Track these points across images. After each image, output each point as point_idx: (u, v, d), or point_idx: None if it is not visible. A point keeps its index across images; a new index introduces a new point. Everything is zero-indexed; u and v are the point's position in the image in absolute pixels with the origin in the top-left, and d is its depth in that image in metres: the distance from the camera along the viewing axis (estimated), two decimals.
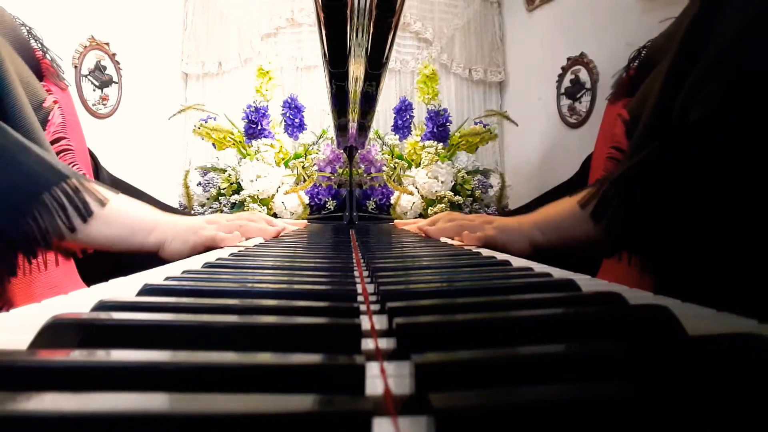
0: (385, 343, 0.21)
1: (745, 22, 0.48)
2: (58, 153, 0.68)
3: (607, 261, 0.65)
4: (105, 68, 1.53)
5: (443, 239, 0.77)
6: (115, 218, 0.55)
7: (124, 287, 0.33)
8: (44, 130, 0.66)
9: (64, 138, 0.69)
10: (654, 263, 0.52)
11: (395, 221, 1.18)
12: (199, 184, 1.52)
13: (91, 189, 0.54)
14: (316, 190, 1.51)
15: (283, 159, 1.57)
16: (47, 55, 0.71)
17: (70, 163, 0.69)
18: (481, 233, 0.64)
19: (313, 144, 1.62)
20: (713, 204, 0.45)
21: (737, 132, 0.45)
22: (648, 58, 0.74)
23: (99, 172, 0.84)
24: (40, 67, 0.70)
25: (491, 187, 1.66)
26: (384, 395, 0.16)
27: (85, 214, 0.52)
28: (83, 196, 0.53)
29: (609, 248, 0.57)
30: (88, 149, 0.79)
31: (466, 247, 0.62)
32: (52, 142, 0.67)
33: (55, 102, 0.68)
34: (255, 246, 0.63)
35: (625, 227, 0.51)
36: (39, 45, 0.71)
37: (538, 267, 0.41)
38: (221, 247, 0.61)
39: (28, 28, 0.70)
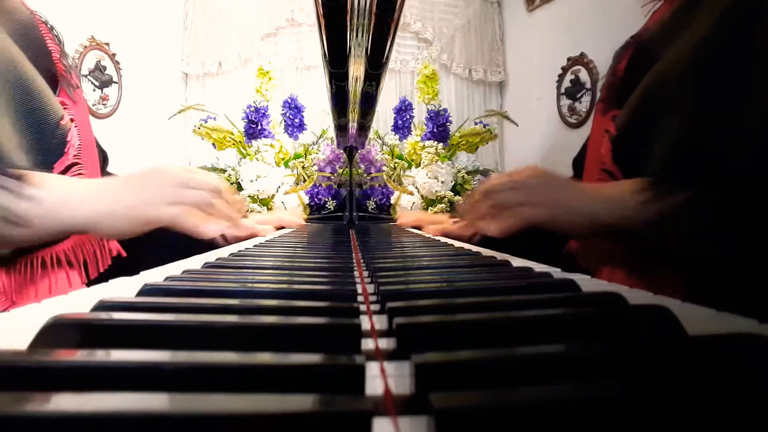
0: (385, 343, 0.21)
1: None
2: None
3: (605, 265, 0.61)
4: (105, 68, 1.53)
5: (442, 239, 0.76)
6: (46, 204, 0.46)
7: (124, 287, 0.33)
8: (63, 153, 0.57)
9: (78, 164, 0.59)
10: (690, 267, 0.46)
11: (398, 222, 1.16)
12: None
13: (17, 175, 0.46)
14: (316, 190, 1.51)
15: (283, 159, 1.57)
16: (63, 61, 0.61)
17: None
18: (517, 219, 0.50)
19: (313, 144, 1.62)
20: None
21: None
22: (638, 57, 0.61)
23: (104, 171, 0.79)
24: (56, 73, 0.60)
25: None
26: (384, 395, 0.16)
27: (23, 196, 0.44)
28: (12, 183, 0.44)
29: (659, 241, 0.47)
30: (99, 147, 0.71)
31: (466, 247, 0.62)
32: (67, 168, 0.58)
33: (71, 120, 0.59)
34: (255, 246, 0.63)
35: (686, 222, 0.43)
36: (59, 47, 0.61)
37: (538, 267, 0.41)
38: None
39: (50, 26, 0.60)
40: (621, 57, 0.64)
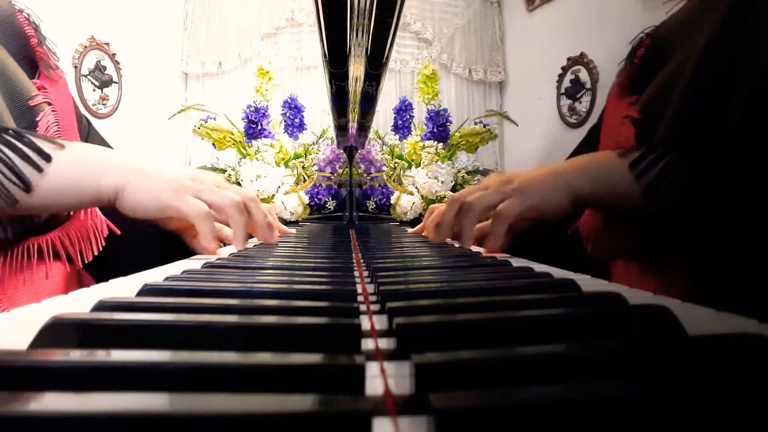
0: (385, 343, 0.21)
1: None
2: None
3: (616, 267, 0.62)
4: (105, 68, 1.53)
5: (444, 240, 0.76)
6: (68, 167, 0.46)
7: (124, 287, 0.33)
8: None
9: None
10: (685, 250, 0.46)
11: (410, 230, 1.07)
12: None
13: (39, 137, 0.47)
14: (316, 190, 1.51)
15: (283, 159, 1.57)
16: (43, 44, 0.63)
17: None
18: (502, 228, 0.50)
19: (313, 144, 1.62)
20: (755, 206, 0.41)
21: None
22: (655, 47, 0.65)
23: (90, 137, 0.76)
24: (35, 58, 0.62)
25: None
26: (384, 395, 0.16)
27: (41, 160, 0.44)
28: (33, 142, 0.45)
29: (645, 215, 0.49)
30: (75, 108, 0.70)
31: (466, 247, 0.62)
32: None
33: (49, 104, 0.60)
34: (255, 246, 0.63)
35: (670, 195, 0.45)
36: (37, 33, 0.64)
37: (538, 267, 0.41)
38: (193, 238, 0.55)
39: (26, 14, 0.64)
40: (638, 46, 0.69)
